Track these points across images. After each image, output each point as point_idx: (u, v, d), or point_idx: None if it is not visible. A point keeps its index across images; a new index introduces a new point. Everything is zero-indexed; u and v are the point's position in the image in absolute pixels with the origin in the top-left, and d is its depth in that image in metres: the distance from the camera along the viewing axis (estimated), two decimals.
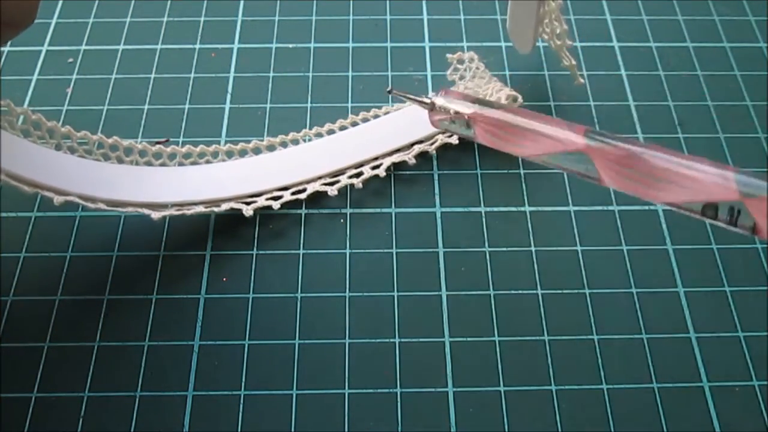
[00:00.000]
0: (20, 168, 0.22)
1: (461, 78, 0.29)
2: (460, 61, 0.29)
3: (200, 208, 0.25)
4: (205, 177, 0.26)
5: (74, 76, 0.30)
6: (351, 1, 0.33)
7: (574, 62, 0.29)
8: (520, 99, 0.28)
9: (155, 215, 0.24)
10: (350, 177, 0.26)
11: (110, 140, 0.26)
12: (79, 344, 0.23)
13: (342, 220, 0.26)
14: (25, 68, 0.30)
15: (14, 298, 0.24)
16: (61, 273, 0.25)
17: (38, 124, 0.25)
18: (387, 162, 0.27)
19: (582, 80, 0.29)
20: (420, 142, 0.27)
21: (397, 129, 0.28)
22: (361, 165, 0.27)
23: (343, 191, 0.26)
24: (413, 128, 0.28)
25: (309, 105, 0.29)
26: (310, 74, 0.30)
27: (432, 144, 0.27)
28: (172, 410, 0.22)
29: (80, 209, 0.26)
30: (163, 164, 0.26)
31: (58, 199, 0.22)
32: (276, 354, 0.23)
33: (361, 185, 0.26)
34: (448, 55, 0.29)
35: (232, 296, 0.24)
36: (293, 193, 0.26)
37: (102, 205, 0.23)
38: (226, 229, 0.26)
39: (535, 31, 0.28)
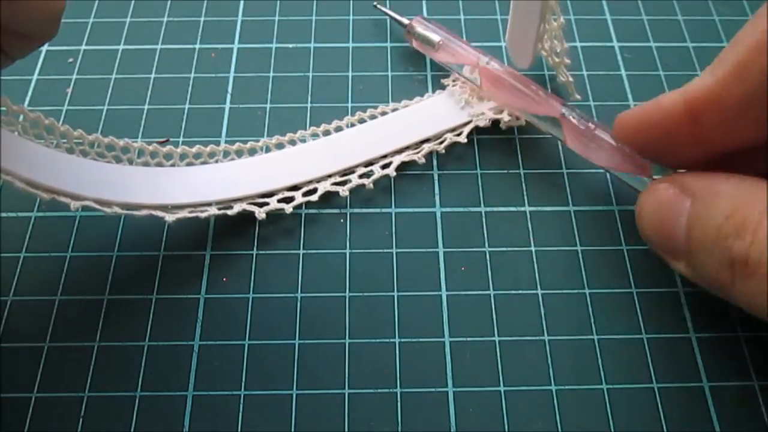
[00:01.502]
0: (37, 174, 0.22)
1: (461, 84, 0.29)
2: (455, 82, 0.29)
3: (213, 210, 0.25)
4: (217, 177, 0.26)
5: (74, 76, 0.30)
6: (351, 1, 0.33)
7: (571, 80, 0.29)
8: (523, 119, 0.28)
9: (169, 218, 0.24)
10: (360, 177, 0.26)
11: (121, 142, 0.26)
12: (79, 344, 0.23)
13: (342, 220, 0.26)
14: (25, 68, 0.30)
15: (14, 298, 0.24)
16: (61, 273, 0.25)
17: (51, 128, 0.24)
18: (397, 161, 0.27)
19: (578, 96, 0.29)
20: (428, 140, 0.27)
21: (405, 127, 0.28)
22: (370, 164, 0.27)
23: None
24: (421, 126, 0.28)
25: (309, 105, 0.29)
26: (310, 74, 0.30)
27: (441, 143, 0.27)
28: (172, 410, 0.22)
29: (80, 209, 0.26)
30: (173, 165, 0.26)
31: (74, 205, 0.22)
32: (276, 354, 0.23)
33: (372, 185, 0.26)
34: (443, 81, 0.29)
35: (232, 296, 0.24)
36: (305, 194, 0.26)
37: (117, 209, 0.23)
38: (226, 229, 0.26)
39: (534, 48, 0.28)
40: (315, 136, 0.28)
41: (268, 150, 0.27)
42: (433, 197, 0.27)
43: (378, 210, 0.26)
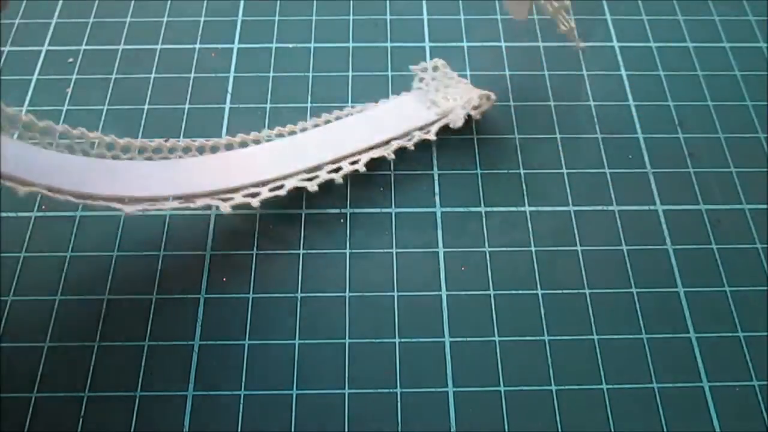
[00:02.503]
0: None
1: (426, 84, 0.29)
2: (424, 70, 0.29)
3: (173, 204, 0.24)
4: (177, 171, 0.26)
5: (74, 76, 0.30)
6: (351, 1, 0.33)
7: (572, 26, 0.27)
8: (492, 97, 0.28)
9: (127, 209, 0.23)
10: (329, 172, 0.26)
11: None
12: (79, 344, 0.23)
13: (342, 220, 0.26)
14: (25, 68, 0.30)
15: (14, 298, 0.24)
16: (61, 273, 0.25)
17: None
18: (365, 157, 0.26)
19: (583, 44, 0.28)
20: (396, 139, 0.27)
21: (371, 127, 0.27)
22: (337, 161, 0.26)
23: (343, 190, 0.26)
24: (388, 126, 0.27)
25: (309, 105, 0.29)
26: (310, 74, 0.30)
27: (410, 140, 0.27)
28: (172, 410, 0.22)
29: (80, 209, 0.26)
30: (131, 159, 0.26)
31: (22, 191, 0.22)
32: (276, 354, 0.23)
33: (341, 180, 0.26)
34: (412, 67, 0.29)
35: (232, 296, 0.24)
36: (271, 190, 0.26)
37: (70, 198, 0.23)
38: (226, 229, 0.26)
39: None
40: (280, 136, 0.28)
41: (230, 148, 0.27)
42: (433, 197, 0.27)
43: (378, 210, 0.26)
